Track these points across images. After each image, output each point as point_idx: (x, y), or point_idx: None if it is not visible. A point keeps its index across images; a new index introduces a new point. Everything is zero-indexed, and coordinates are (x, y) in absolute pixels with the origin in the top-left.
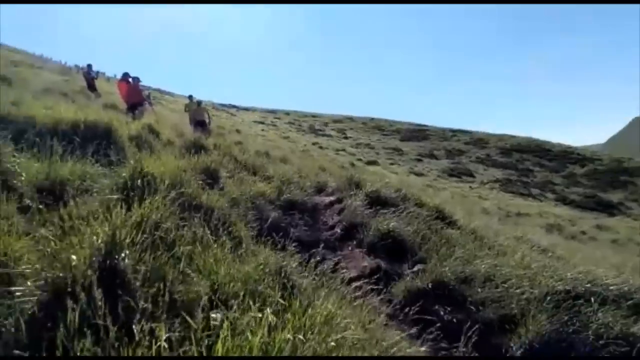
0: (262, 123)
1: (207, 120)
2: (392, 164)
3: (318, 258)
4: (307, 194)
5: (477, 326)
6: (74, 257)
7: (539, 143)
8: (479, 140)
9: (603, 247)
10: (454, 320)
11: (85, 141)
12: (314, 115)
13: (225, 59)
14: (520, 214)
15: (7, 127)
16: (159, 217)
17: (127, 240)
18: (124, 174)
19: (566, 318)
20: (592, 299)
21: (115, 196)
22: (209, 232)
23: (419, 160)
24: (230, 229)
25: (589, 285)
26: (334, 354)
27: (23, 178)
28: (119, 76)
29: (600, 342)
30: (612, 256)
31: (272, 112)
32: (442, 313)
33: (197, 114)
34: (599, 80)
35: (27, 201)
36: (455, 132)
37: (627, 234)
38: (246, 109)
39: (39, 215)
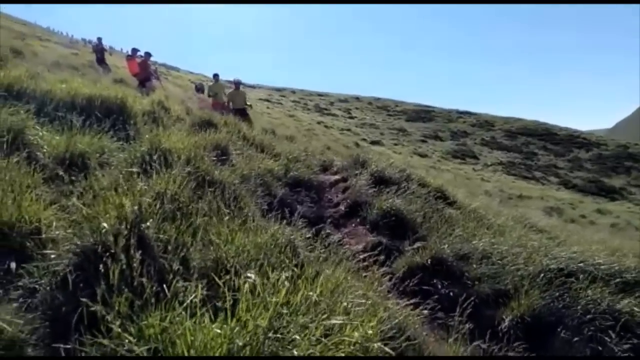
0: (268, 101)
1: (248, 109)
2: (396, 144)
3: (323, 233)
4: (312, 172)
5: (472, 299)
6: (104, 224)
7: (546, 127)
8: (485, 123)
9: (601, 231)
10: (451, 293)
11: (101, 116)
12: (320, 94)
13: (232, 35)
14: (522, 196)
15: (29, 100)
16: (176, 190)
17: (150, 211)
18: (142, 149)
19: (557, 294)
20: (582, 277)
21: (135, 169)
22: (221, 205)
23: (424, 141)
24: (241, 203)
25: (581, 264)
26: (344, 316)
27: (45, 150)
28: (125, 49)
29: (588, 316)
30: (609, 239)
31: (278, 90)
32: (439, 287)
33: (237, 101)
34: (609, 66)
35: (51, 172)
36: (461, 113)
37: (626, 219)
38: (252, 87)
39: (64, 186)
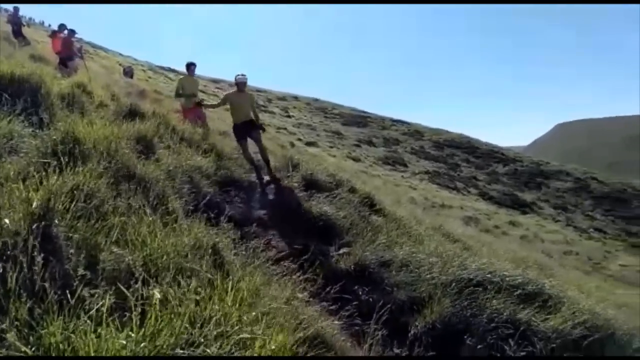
0: (203, 92)
1: (260, 129)
2: (331, 146)
3: (251, 235)
4: (244, 171)
5: (389, 306)
6: (6, 220)
7: (470, 140)
8: (416, 132)
9: (512, 242)
10: (370, 299)
11: (12, 96)
12: (258, 90)
13: (169, 18)
14: (444, 205)
15: None
16: (92, 185)
17: (61, 207)
18: (55, 137)
19: (466, 303)
20: (489, 287)
21: (46, 160)
22: (143, 204)
23: (358, 145)
24: (164, 201)
25: (489, 275)
26: (256, 325)
27: None
28: (47, 23)
29: (492, 325)
30: (518, 250)
31: (215, 81)
32: (360, 293)
33: (241, 109)
34: (529, 86)
35: None
36: (394, 122)
37: (535, 231)
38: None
39: None
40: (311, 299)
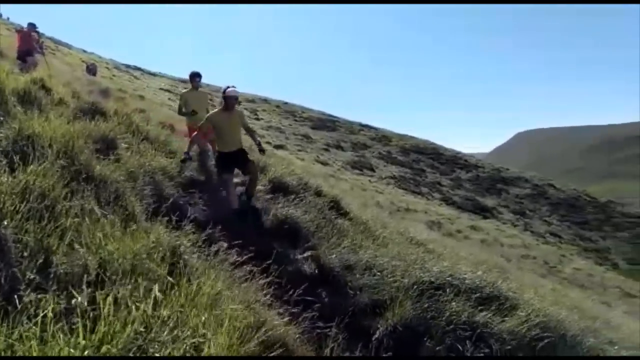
0: (170, 92)
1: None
2: (300, 150)
3: (214, 238)
4: (210, 173)
5: (351, 309)
6: None
7: (435, 147)
8: (383, 137)
9: (473, 246)
10: (333, 303)
11: None
12: None
13: (137, 16)
14: (409, 209)
15: None
16: (45, 185)
17: (11, 208)
18: (7, 135)
19: (426, 305)
20: (449, 290)
21: None
22: (99, 205)
23: (326, 149)
24: (124, 203)
25: (449, 278)
26: (216, 329)
27: None
28: (5, 16)
29: (450, 327)
30: (478, 254)
31: (183, 81)
32: (323, 296)
33: (228, 132)
34: (490, 95)
35: None
36: (363, 126)
37: (494, 236)
38: (153, 74)
39: None
40: (273, 302)
